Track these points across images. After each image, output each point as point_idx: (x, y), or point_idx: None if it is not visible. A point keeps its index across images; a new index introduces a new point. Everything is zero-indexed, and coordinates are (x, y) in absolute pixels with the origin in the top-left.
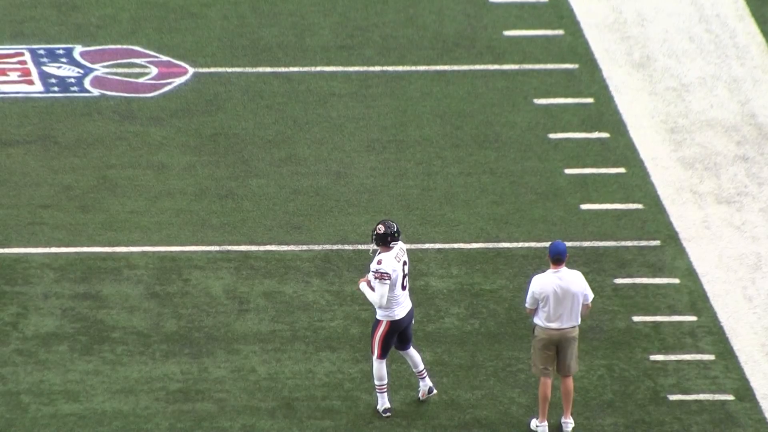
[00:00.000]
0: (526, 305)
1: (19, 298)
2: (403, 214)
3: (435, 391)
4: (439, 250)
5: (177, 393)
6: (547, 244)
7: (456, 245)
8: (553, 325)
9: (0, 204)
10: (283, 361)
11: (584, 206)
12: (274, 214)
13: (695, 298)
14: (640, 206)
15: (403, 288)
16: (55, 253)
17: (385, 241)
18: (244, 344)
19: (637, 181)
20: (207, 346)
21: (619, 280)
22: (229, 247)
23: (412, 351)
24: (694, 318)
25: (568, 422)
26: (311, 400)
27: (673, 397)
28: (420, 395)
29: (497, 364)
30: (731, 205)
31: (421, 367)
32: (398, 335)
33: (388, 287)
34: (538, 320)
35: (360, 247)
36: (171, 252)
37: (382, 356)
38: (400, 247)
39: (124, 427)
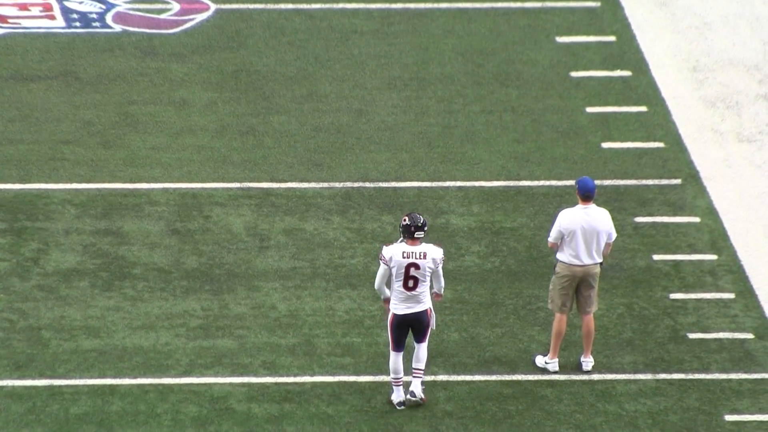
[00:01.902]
0: (550, 239)
1: (40, 234)
2: (424, 151)
3: (418, 398)
4: (459, 188)
5: (197, 329)
6: (568, 183)
7: (477, 183)
8: (577, 262)
9: (21, 140)
10: (303, 299)
11: (605, 144)
12: (295, 151)
13: (716, 236)
14: (661, 145)
15: (406, 287)
16: (76, 189)
17: (407, 231)
18: (264, 281)
19: (658, 120)
20: (227, 283)
21: (639, 219)
22: (250, 184)
23: (421, 347)
24: (714, 256)
25: (588, 361)
26: (331, 337)
27: (692, 336)
28: (408, 395)
29: (517, 302)
30: (752, 144)
31: (420, 366)
32: (413, 330)
33: (381, 270)
34: (562, 256)
35: (381, 184)
36: (192, 189)
37: (395, 348)
38: (421, 250)
39: (144, 363)
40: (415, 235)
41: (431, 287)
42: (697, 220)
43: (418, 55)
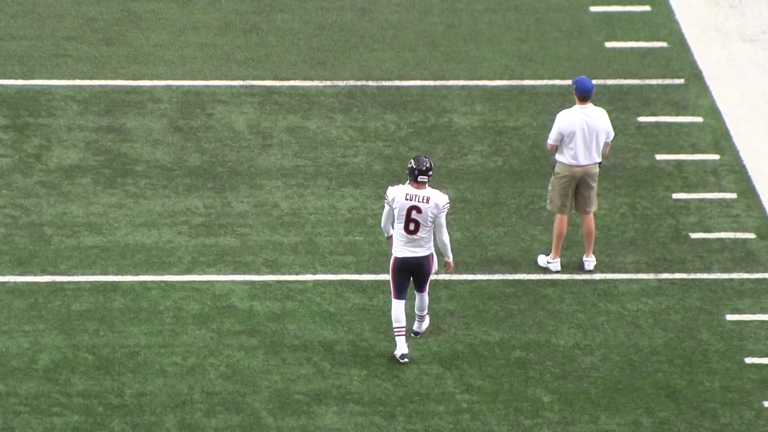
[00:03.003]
0: (549, 141)
1: (42, 130)
2: (428, 50)
3: (419, 335)
4: (463, 87)
5: (199, 227)
6: (571, 82)
7: (480, 82)
8: (576, 162)
9: (24, 35)
10: (305, 197)
11: (609, 44)
12: (299, 50)
13: (718, 136)
14: (664, 44)
15: (407, 230)
16: (79, 86)
17: (411, 174)
18: (267, 179)
19: (662, 19)
20: (230, 181)
21: (642, 119)
22: (253, 82)
23: (422, 296)
24: (716, 156)
25: (590, 260)
26: (333, 236)
27: (694, 236)
28: (411, 333)
29: (520, 202)
30: (756, 43)
31: (423, 312)
32: (413, 278)
33: (386, 211)
34: (561, 157)
35: (384, 83)
36: (195, 86)
37: (396, 295)
38: (425, 194)
39: (146, 260)
40: (419, 179)
41: (434, 236)
42: (699, 120)
43: None
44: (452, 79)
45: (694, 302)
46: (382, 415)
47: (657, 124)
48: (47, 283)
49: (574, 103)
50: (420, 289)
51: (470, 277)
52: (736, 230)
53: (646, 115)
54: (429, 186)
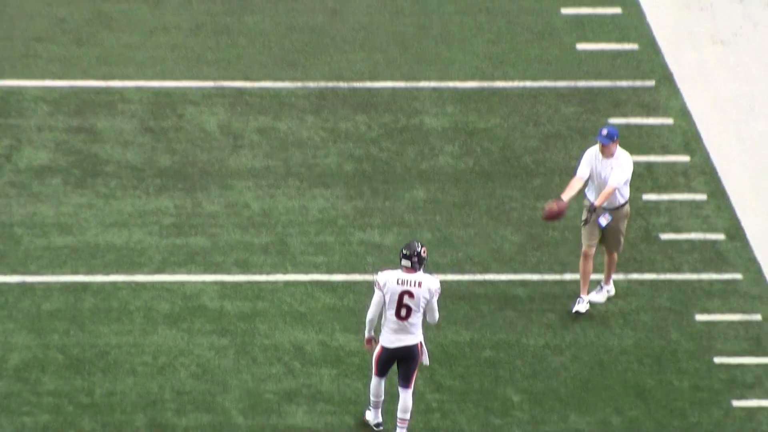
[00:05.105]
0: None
1: (12, 131)
2: (399, 52)
3: None
4: (434, 88)
5: (170, 227)
6: (542, 84)
7: (451, 83)
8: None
9: None
10: (276, 197)
11: (580, 46)
12: (270, 51)
13: (688, 138)
14: (635, 46)
15: (399, 316)
16: (49, 87)
17: (400, 257)
18: (238, 180)
19: (633, 21)
20: (201, 181)
21: (613, 120)
22: (224, 83)
23: (406, 395)
24: (687, 158)
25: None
26: (304, 236)
27: (664, 236)
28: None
29: (490, 203)
30: (726, 46)
31: (405, 416)
32: (399, 367)
33: (376, 297)
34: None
35: (355, 84)
36: (165, 87)
37: (377, 374)
38: (417, 279)
39: (116, 260)
40: (402, 263)
41: (424, 321)
42: (670, 121)
43: None
44: (423, 80)
45: (664, 302)
46: (353, 414)
47: (627, 126)
48: (17, 283)
49: (548, 104)
50: (406, 383)
51: (441, 277)
52: (705, 231)
53: (617, 117)
54: (422, 271)
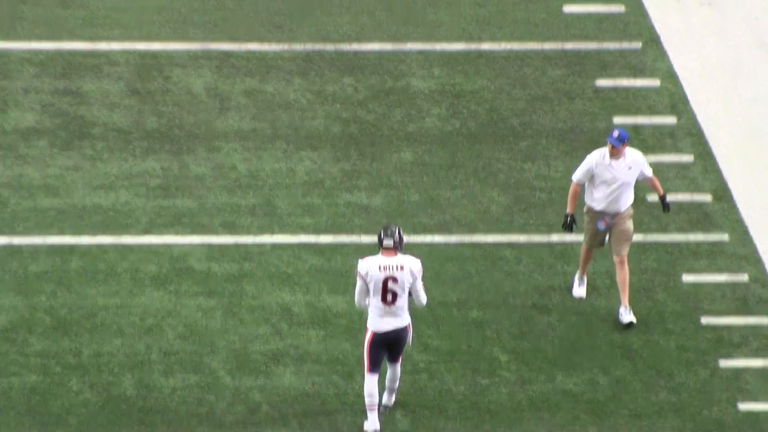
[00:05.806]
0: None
1: None
2: (386, 14)
3: (389, 408)
4: (420, 51)
5: (157, 189)
6: (529, 46)
7: (438, 46)
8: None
9: None
10: (263, 159)
11: (567, 8)
12: (256, 13)
13: (675, 100)
14: (622, 9)
15: (385, 301)
16: (35, 49)
17: (379, 241)
18: (224, 142)
19: None
20: (187, 144)
21: (600, 82)
22: (211, 45)
23: (395, 368)
24: (674, 119)
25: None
26: (291, 198)
27: (651, 197)
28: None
29: (477, 164)
30: (713, 8)
31: (394, 385)
32: (389, 350)
33: (359, 286)
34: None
35: (342, 47)
36: (152, 49)
37: (370, 369)
38: (398, 262)
39: (103, 221)
40: (384, 244)
41: (411, 302)
42: (657, 83)
43: None
44: (410, 42)
45: (651, 264)
46: (341, 374)
47: (615, 88)
48: (4, 245)
49: (533, 66)
50: (394, 360)
51: (428, 238)
52: (692, 192)
53: (604, 79)
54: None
